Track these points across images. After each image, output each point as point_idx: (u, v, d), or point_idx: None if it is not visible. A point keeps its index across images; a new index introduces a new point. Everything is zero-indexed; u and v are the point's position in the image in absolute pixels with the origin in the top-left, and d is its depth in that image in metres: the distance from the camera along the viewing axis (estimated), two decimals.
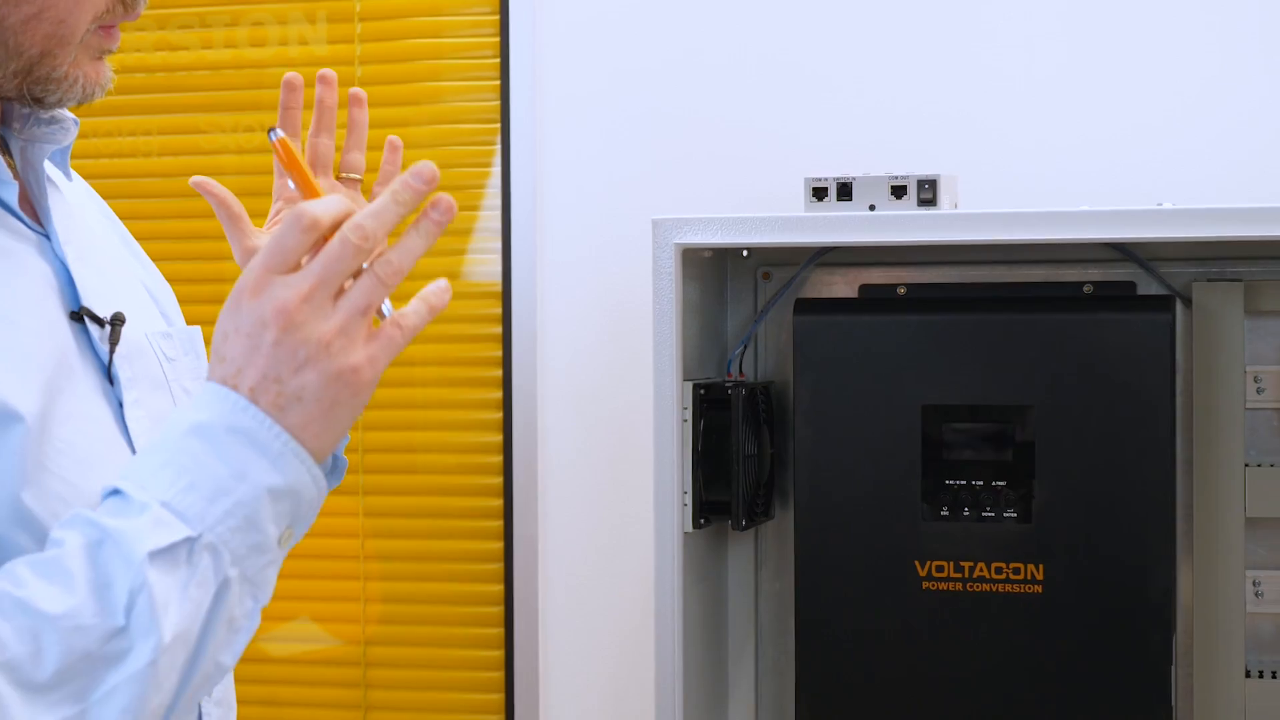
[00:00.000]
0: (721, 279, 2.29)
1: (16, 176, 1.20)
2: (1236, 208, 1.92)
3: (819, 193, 2.05)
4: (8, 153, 1.21)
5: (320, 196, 1.07)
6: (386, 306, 1.06)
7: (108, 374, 1.18)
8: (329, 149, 1.52)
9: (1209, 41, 2.33)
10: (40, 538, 1.05)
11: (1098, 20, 2.36)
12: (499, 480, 2.56)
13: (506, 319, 2.54)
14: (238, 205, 1.46)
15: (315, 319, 1.03)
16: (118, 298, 1.23)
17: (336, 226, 1.04)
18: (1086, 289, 2.16)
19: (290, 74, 1.50)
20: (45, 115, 1.21)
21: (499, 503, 2.57)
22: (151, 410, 1.20)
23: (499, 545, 2.57)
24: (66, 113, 1.23)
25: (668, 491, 2.06)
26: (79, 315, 1.17)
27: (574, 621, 2.53)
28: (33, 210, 1.21)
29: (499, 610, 2.57)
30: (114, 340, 1.18)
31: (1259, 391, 2.11)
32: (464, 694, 2.60)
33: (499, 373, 2.56)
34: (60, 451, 1.09)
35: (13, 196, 1.17)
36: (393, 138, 1.54)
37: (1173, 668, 2.03)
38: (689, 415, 2.08)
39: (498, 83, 2.55)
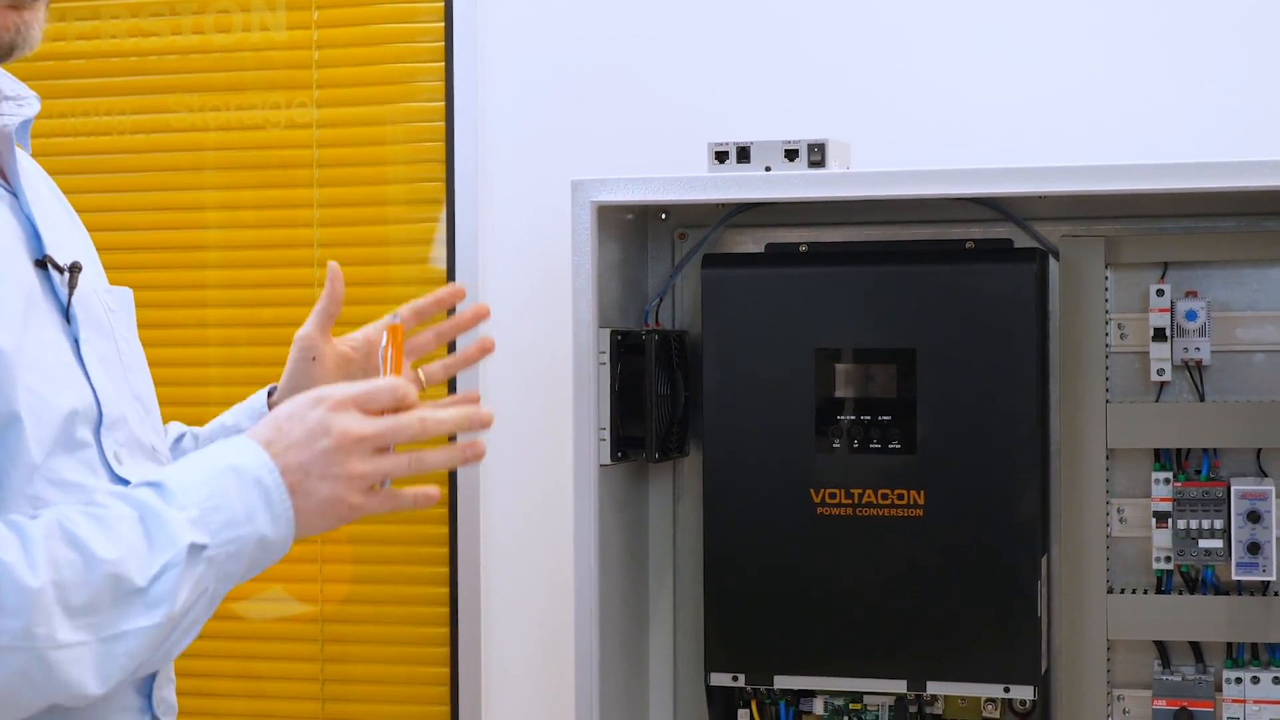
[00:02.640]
0: (643, 240, 2.50)
1: None
2: (1096, 165, 2.09)
3: (721, 156, 2.27)
4: None
5: (399, 378, 1.42)
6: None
7: (65, 315, 1.39)
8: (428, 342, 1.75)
9: (1100, 12, 2.49)
10: (15, 433, 1.27)
11: None
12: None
13: (451, 280, 2.74)
14: (339, 308, 1.68)
15: (357, 457, 1.34)
16: (72, 253, 1.43)
17: (410, 407, 1.37)
18: (969, 245, 2.36)
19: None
20: (10, 93, 1.42)
21: None
22: (99, 350, 1.41)
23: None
24: (28, 89, 1.44)
25: (586, 428, 2.26)
26: (42, 263, 1.38)
27: (513, 555, 2.72)
28: (2, 173, 1.42)
29: (444, 550, 2.77)
30: (72, 285, 1.39)
31: (1122, 337, 2.31)
32: (412, 627, 2.80)
33: None
34: (30, 369, 1.30)
35: None
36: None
37: (1040, 584, 2.23)
38: (606, 359, 2.28)
39: (442, 65, 2.77)
